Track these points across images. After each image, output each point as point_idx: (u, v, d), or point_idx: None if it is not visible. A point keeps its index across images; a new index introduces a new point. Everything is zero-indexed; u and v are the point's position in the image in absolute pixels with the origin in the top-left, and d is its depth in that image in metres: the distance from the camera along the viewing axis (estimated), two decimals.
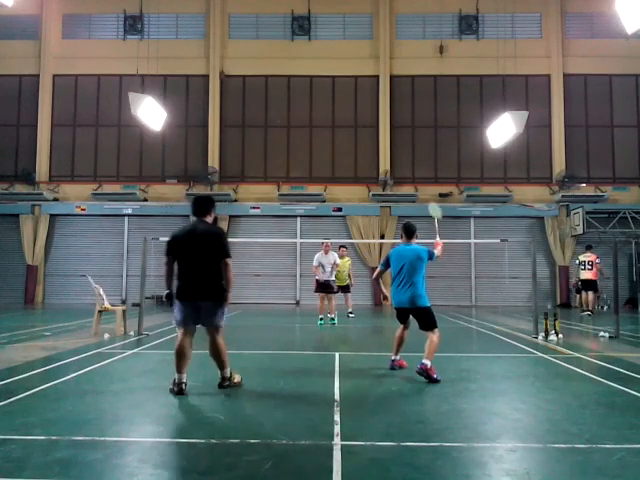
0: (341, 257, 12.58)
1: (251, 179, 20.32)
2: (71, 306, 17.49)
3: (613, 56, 19.88)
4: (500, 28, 20.06)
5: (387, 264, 6.05)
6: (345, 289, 13.08)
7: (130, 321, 9.57)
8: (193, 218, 5.12)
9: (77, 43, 20.86)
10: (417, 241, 6.05)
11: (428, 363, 5.38)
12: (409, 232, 6.02)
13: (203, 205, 5.08)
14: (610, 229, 18.61)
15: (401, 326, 6.04)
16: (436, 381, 5.30)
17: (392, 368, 5.96)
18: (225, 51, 20.68)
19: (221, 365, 4.94)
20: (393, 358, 6.02)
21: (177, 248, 4.92)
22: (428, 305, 5.77)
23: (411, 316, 5.90)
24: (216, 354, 4.93)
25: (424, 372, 5.36)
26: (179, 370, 4.80)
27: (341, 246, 13.01)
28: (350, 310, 13.33)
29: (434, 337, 5.64)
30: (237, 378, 5.06)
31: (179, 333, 4.95)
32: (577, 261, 16.06)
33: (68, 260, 20.03)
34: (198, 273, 4.82)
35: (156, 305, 15.66)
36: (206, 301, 4.82)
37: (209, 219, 5.08)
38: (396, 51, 20.53)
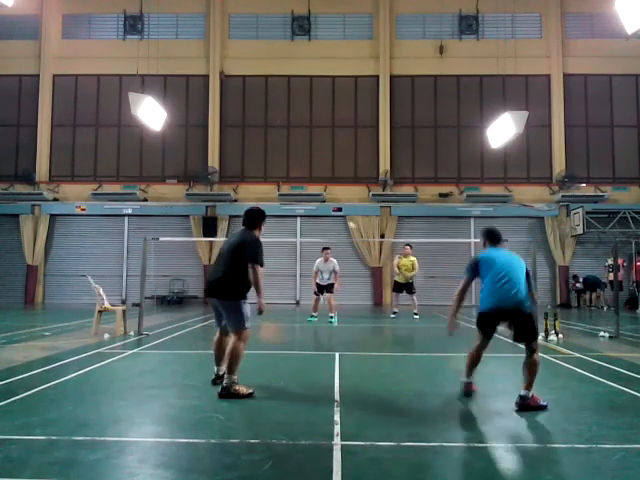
0: (405, 256, 13.08)
1: (251, 179, 20.31)
2: (71, 306, 17.48)
3: (613, 56, 19.86)
4: (500, 28, 20.04)
5: (475, 270, 4.81)
6: (409, 289, 13.12)
7: (130, 321, 9.56)
8: (242, 227, 5.19)
9: (77, 43, 20.85)
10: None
11: (528, 394, 4.40)
12: (496, 238, 4.98)
13: (252, 218, 5.14)
14: (610, 229, 18.61)
15: (479, 341, 4.73)
16: (543, 407, 4.38)
17: (468, 394, 4.69)
18: (225, 51, 20.67)
19: (229, 369, 4.78)
20: (467, 380, 4.73)
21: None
22: (531, 312, 4.66)
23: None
24: (228, 356, 4.83)
25: (526, 407, 4.35)
26: (216, 363, 5.11)
27: (407, 244, 13.29)
28: (415, 311, 13.03)
29: (536, 357, 4.51)
30: (243, 390, 4.74)
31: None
32: (606, 264, 17.95)
33: (68, 260, 20.02)
34: (218, 273, 4.96)
35: (156, 305, 15.67)
36: (218, 299, 4.90)
37: (257, 232, 5.09)
38: (396, 51, 20.52)
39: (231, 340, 4.91)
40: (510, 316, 4.59)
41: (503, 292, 4.58)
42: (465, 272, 4.84)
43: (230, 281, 4.85)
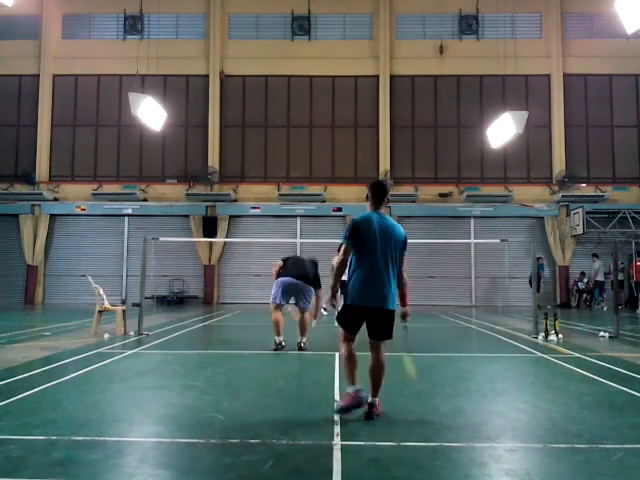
0: None
1: (251, 179, 20.31)
2: (71, 306, 17.48)
3: (613, 56, 19.87)
4: (500, 28, 20.04)
5: (355, 236, 3.97)
6: None
7: (130, 321, 9.57)
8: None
9: (77, 43, 20.85)
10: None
11: (377, 400, 4.03)
12: (382, 193, 4.09)
13: None
14: (610, 229, 18.61)
15: (347, 340, 4.21)
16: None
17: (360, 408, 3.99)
18: (225, 51, 20.67)
19: (302, 333, 7.40)
20: (363, 393, 4.01)
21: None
22: (394, 308, 4.06)
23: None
24: (302, 325, 7.41)
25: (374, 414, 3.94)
26: (277, 334, 7.30)
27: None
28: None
29: (383, 356, 4.11)
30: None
31: (272, 308, 7.46)
32: None
33: (68, 260, 20.02)
34: (304, 271, 7.54)
35: (156, 305, 15.65)
36: (305, 283, 7.40)
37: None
38: (396, 51, 20.52)
39: (303, 315, 7.44)
40: (369, 315, 4.13)
41: (367, 288, 4.08)
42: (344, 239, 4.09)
43: (314, 276, 7.59)
